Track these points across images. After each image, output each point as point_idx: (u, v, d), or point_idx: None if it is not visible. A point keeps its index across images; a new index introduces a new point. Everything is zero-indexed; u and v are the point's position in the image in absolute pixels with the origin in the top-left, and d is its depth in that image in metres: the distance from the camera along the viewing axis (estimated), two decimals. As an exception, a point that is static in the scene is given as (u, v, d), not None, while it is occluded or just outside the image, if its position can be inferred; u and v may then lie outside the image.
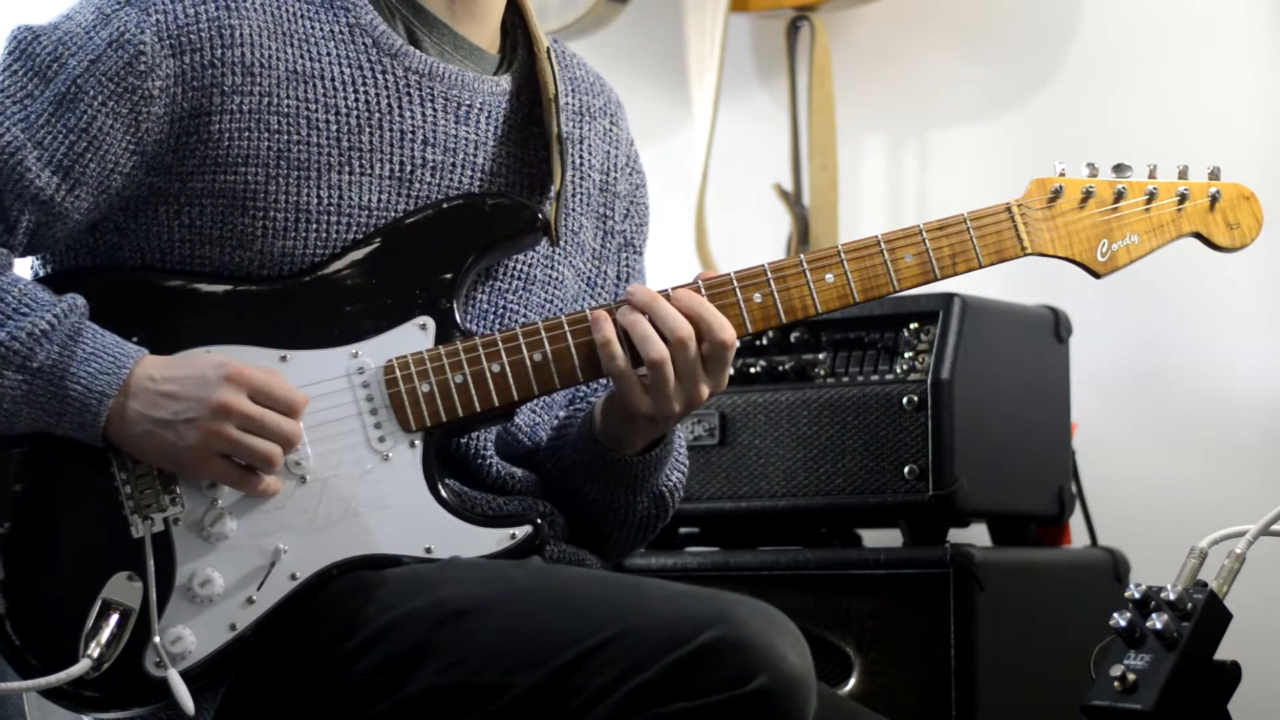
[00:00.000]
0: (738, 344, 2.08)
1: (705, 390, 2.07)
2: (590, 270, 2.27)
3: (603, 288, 2.29)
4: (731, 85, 3.68)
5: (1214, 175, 2.21)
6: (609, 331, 2.06)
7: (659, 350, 2.05)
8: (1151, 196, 2.18)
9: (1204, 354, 3.40)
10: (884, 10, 3.64)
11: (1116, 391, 3.43)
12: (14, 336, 1.97)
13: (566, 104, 2.26)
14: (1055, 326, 3.08)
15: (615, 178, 2.31)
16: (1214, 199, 2.20)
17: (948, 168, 3.66)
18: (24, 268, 2.12)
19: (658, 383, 2.06)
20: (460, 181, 2.15)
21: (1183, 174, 2.20)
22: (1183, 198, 2.19)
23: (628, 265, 2.32)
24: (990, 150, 3.61)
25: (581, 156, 2.27)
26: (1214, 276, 3.18)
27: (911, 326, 2.94)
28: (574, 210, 2.24)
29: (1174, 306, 3.38)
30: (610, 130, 2.31)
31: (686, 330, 2.05)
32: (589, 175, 2.27)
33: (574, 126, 2.27)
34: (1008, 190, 3.68)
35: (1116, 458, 3.38)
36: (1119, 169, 2.18)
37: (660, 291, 2.08)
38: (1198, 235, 2.20)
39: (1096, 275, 2.18)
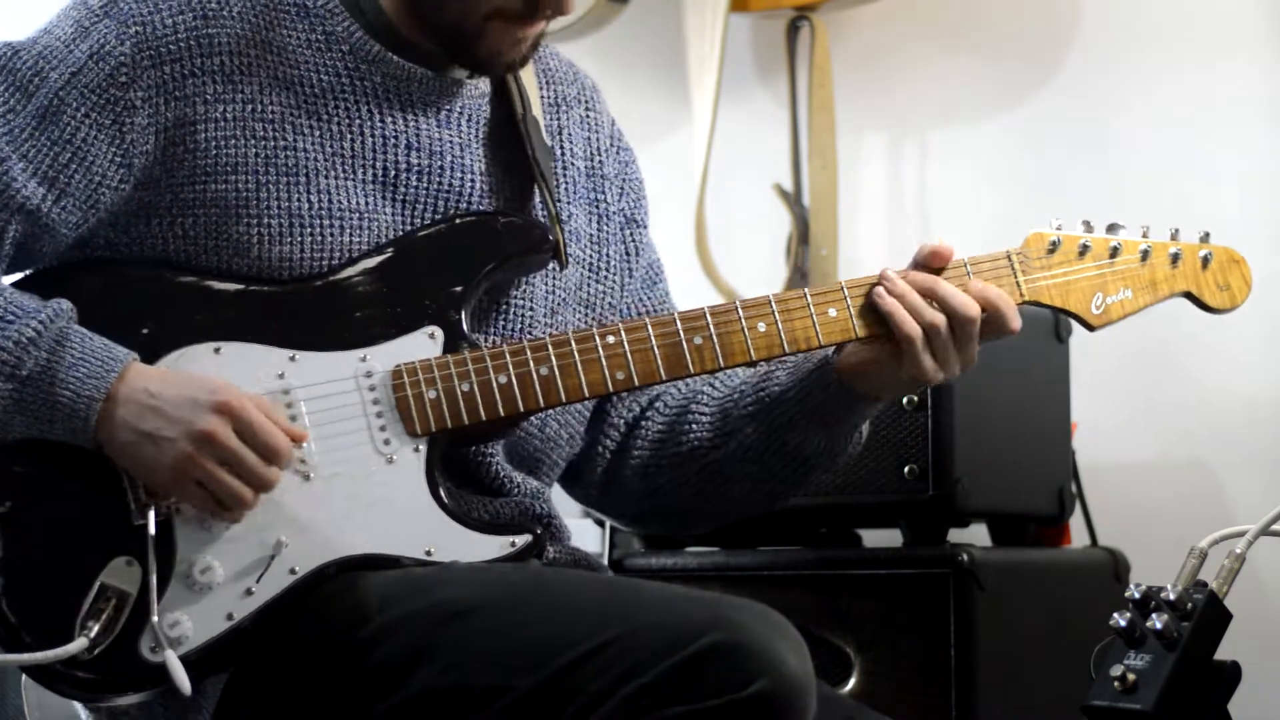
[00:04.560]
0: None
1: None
2: (590, 256, 2.28)
3: (608, 271, 2.29)
4: (731, 85, 3.68)
5: (1204, 238, 2.24)
6: (897, 308, 2.10)
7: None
8: (1145, 255, 2.21)
9: (1204, 354, 3.40)
10: (884, 10, 3.64)
11: (1116, 391, 3.43)
12: (1, 346, 1.98)
13: (543, 96, 2.27)
14: (1055, 326, 3.08)
15: (601, 161, 2.31)
16: (1205, 261, 2.23)
17: (948, 168, 3.66)
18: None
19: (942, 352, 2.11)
20: (448, 183, 2.16)
21: (1174, 235, 2.23)
22: (1175, 259, 2.22)
23: (634, 240, 2.33)
24: (990, 150, 3.61)
25: (563, 147, 2.27)
26: (1214, 276, 3.18)
27: (912, 326, 2.94)
28: (564, 200, 2.25)
29: (1174, 306, 3.38)
30: (587, 116, 2.32)
31: (975, 310, 2.10)
32: (573, 164, 2.28)
33: (552, 118, 2.27)
34: (1007, 190, 3.69)
35: (1116, 458, 3.38)
36: (1112, 228, 2.21)
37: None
38: (1189, 295, 2.24)
39: (1091, 328, 2.21)
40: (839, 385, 2.16)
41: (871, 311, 2.12)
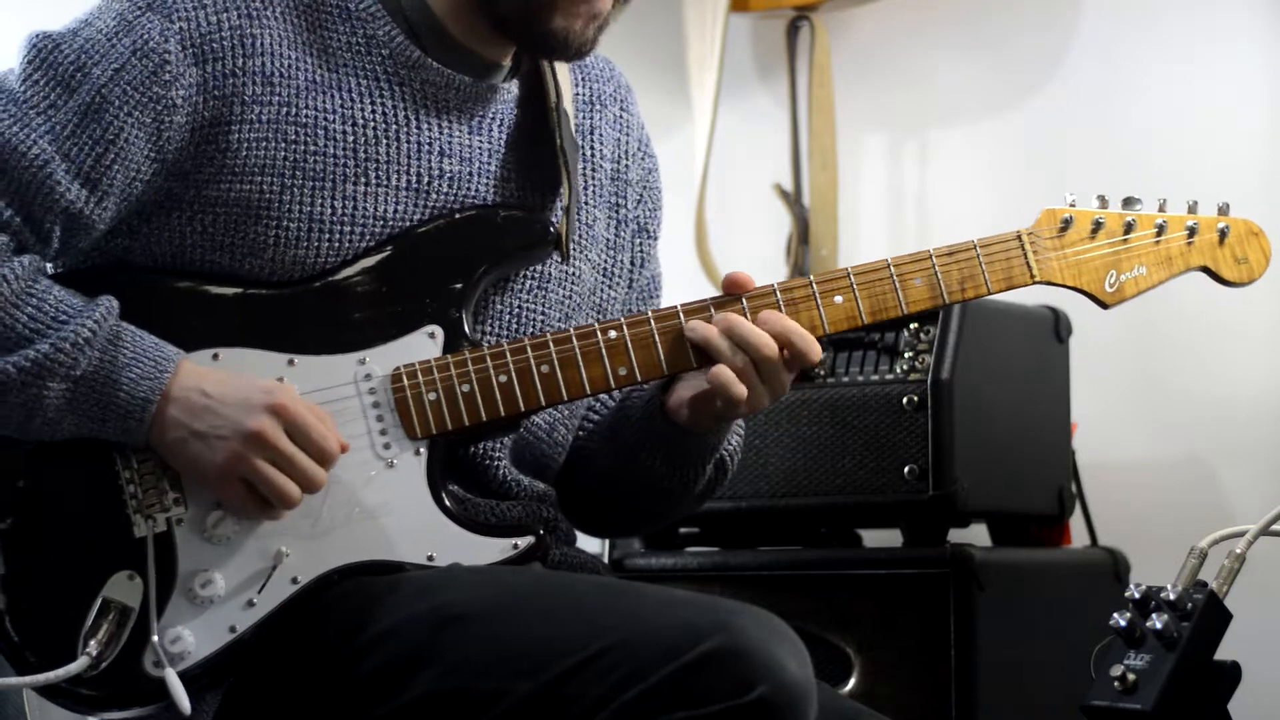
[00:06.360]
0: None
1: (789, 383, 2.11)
2: (606, 261, 2.27)
3: (619, 277, 2.29)
4: (731, 85, 3.68)
5: (1223, 210, 2.21)
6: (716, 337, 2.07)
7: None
8: (1160, 230, 2.18)
9: (1204, 354, 3.40)
10: (884, 10, 3.64)
11: (1116, 391, 3.43)
12: (58, 348, 1.97)
13: (577, 94, 2.26)
14: (1055, 326, 3.08)
15: (627, 165, 2.30)
16: (1223, 234, 2.20)
17: (948, 168, 3.66)
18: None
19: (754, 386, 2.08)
20: (475, 190, 2.15)
21: (1192, 208, 2.20)
22: (1191, 232, 2.19)
23: (642, 250, 2.33)
24: (990, 150, 3.61)
25: (593, 147, 2.26)
26: (1214, 276, 3.18)
27: (911, 326, 2.94)
28: (588, 203, 2.24)
29: (1174, 307, 3.38)
30: (621, 116, 2.31)
31: (773, 349, 2.07)
32: (601, 166, 2.27)
33: (584, 117, 2.26)
34: (1007, 190, 3.68)
35: (1116, 458, 3.38)
36: (1128, 202, 2.19)
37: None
38: (1205, 269, 2.21)
39: (1105, 306, 2.19)
40: (661, 416, 2.15)
41: (683, 348, 2.09)
